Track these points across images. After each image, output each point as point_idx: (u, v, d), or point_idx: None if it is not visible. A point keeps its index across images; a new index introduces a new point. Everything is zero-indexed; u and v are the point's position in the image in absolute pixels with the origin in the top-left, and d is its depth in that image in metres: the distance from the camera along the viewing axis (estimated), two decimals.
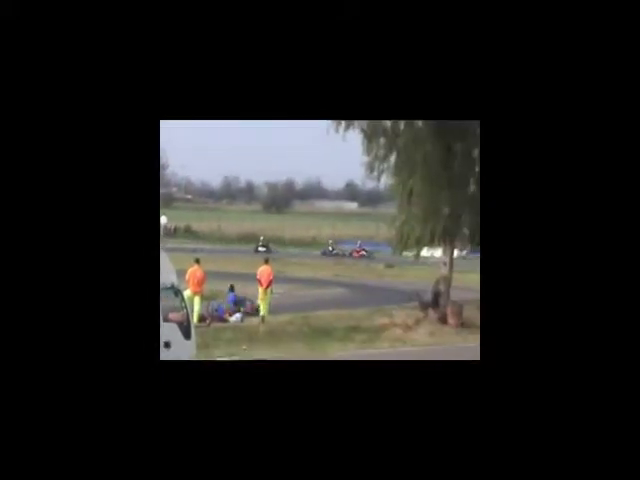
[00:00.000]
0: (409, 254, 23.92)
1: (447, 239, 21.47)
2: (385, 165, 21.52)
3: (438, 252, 24.60)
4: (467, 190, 21.33)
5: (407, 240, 21.95)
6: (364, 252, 51.63)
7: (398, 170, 21.43)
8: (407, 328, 19.50)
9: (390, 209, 27.81)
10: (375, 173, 21.68)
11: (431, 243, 22.79)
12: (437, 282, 21.39)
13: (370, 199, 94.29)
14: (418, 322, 20.04)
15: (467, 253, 24.58)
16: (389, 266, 44.00)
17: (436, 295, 21.06)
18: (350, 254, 51.94)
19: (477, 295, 27.35)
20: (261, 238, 54.36)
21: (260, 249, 51.56)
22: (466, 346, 17.91)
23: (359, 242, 53.41)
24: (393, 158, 21.45)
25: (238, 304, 22.78)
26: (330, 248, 53.23)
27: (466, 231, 22.14)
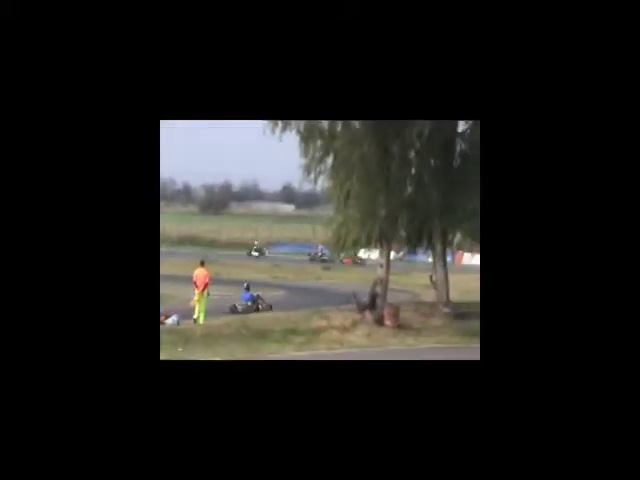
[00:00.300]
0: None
1: (384, 241, 21.53)
2: (322, 167, 21.48)
3: (375, 254, 24.69)
4: (404, 192, 21.44)
5: (344, 242, 21.93)
6: None
7: (335, 172, 21.39)
8: (344, 330, 19.48)
9: (326, 211, 27.86)
10: (312, 175, 21.60)
11: (368, 245, 22.86)
12: (374, 284, 21.44)
13: (307, 201, 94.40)
14: (355, 324, 20.04)
15: (403, 255, 24.65)
16: (326, 268, 44.09)
17: (373, 297, 21.10)
18: (340, 260, 50.67)
19: (413, 297, 27.41)
20: (255, 243, 53.18)
21: (253, 253, 50.57)
22: (402, 348, 18.04)
23: None
24: (330, 160, 21.42)
25: (254, 302, 25.66)
26: (319, 253, 51.87)
27: (403, 233, 22.25)
